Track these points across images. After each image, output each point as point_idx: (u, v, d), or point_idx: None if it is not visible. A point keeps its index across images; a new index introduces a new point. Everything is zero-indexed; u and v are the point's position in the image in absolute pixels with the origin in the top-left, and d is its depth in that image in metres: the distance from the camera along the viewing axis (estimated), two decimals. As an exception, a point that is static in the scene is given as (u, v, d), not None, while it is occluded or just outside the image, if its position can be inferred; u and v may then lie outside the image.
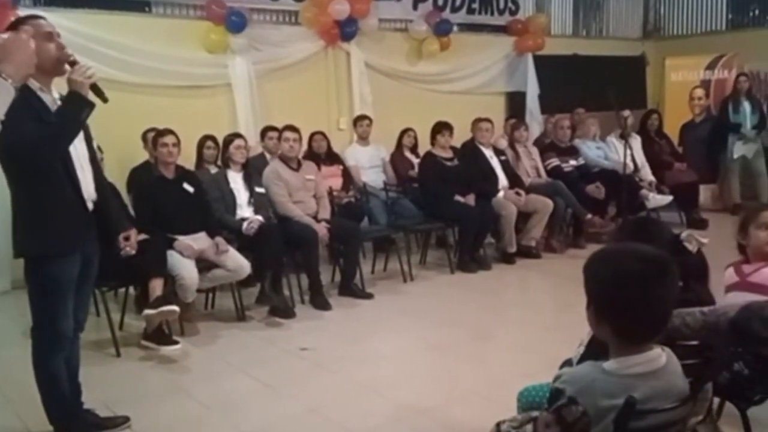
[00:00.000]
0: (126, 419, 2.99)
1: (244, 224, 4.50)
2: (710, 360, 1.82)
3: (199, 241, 4.24)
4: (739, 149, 7.32)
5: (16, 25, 2.52)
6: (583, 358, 1.86)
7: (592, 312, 1.54)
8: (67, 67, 2.52)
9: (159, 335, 3.90)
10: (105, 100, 2.56)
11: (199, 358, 3.84)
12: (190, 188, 4.37)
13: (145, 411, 3.09)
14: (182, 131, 4.47)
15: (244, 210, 4.66)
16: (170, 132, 4.33)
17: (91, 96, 2.52)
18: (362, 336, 4.16)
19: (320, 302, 4.66)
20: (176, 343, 3.88)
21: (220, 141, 5.11)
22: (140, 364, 3.74)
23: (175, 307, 3.85)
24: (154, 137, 4.46)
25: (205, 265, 4.22)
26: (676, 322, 1.68)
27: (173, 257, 4.06)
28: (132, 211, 4.44)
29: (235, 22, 6.02)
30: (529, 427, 1.62)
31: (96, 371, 3.63)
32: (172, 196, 4.29)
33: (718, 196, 7.65)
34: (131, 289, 4.50)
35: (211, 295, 4.69)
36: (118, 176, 4.78)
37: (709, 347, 1.83)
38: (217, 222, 4.46)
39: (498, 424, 1.76)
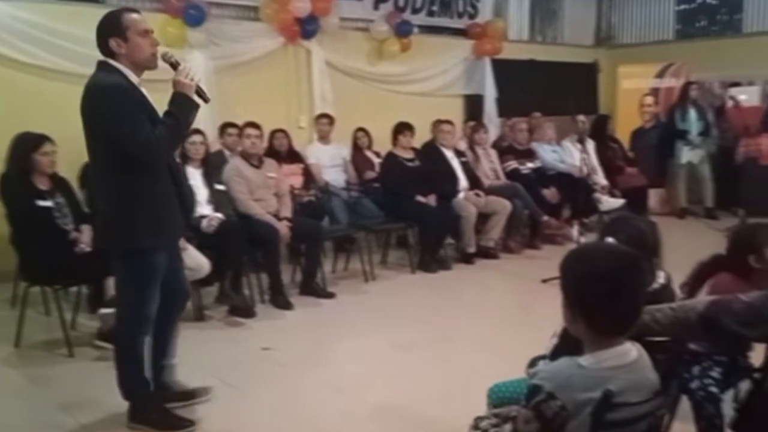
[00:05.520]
0: (208, 389, 3.09)
1: (204, 222, 4.41)
2: (677, 355, 1.89)
3: (156, 238, 4.14)
4: (685, 155, 7.58)
5: (115, 21, 2.58)
6: (556, 349, 1.90)
7: (567, 308, 1.57)
8: (161, 63, 2.62)
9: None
10: (207, 100, 2.65)
11: (158, 358, 3.73)
12: (147, 184, 4.26)
13: (103, 413, 2.99)
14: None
15: (204, 207, 4.56)
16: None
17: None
18: (325, 336, 4.13)
19: (281, 302, 4.61)
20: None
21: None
22: (95, 365, 3.61)
23: (133, 306, 3.75)
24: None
25: (163, 263, 4.12)
26: (646, 319, 1.72)
27: (130, 255, 3.95)
28: (86, 208, 4.30)
29: (193, 16, 5.90)
30: (508, 426, 1.64)
31: (49, 372, 3.53)
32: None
33: (666, 200, 7.92)
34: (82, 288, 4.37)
35: (168, 294, 4.58)
36: (70, 171, 4.62)
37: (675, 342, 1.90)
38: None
39: (476, 421, 1.78)
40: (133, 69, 2.60)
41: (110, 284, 3.81)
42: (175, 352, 3.05)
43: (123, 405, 2.89)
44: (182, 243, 4.12)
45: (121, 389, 2.84)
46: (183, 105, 2.57)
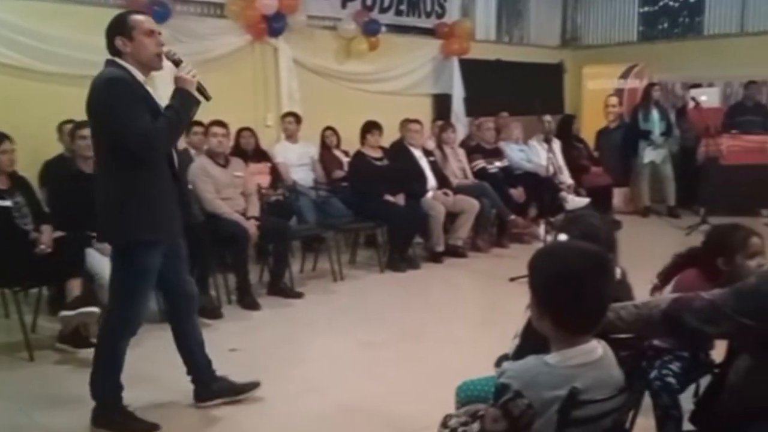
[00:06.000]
0: (257, 383, 3.11)
1: (169, 221, 4.34)
2: (641, 351, 1.92)
3: (120, 238, 4.07)
4: (648, 155, 7.74)
5: (121, 22, 2.65)
6: (519, 349, 1.91)
7: (534, 306, 1.59)
8: (166, 63, 2.69)
9: (76, 337, 3.75)
10: (208, 98, 2.72)
11: (122, 361, 3.66)
12: (111, 183, 4.19)
13: (65, 417, 2.93)
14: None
15: (169, 207, 4.49)
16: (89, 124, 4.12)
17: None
18: (294, 336, 4.11)
19: (249, 302, 4.57)
20: (94, 345, 3.71)
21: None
22: (57, 368, 3.55)
23: (95, 309, 3.68)
24: (72, 130, 4.26)
25: (126, 264, 4.04)
26: (611, 316, 1.74)
27: (92, 256, 3.89)
28: (46, 207, 4.20)
29: (158, 12, 5.79)
30: (476, 425, 1.64)
31: (9, 376, 3.44)
32: (91, 192, 4.05)
33: (630, 199, 8.07)
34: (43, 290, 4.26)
35: (132, 295, 4.50)
36: (30, 169, 4.52)
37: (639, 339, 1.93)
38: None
39: (445, 419, 1.78)
40: (138, 68, 2.66)
41: (71, 286, 3.75)
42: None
43: (85, 409, 2.85)
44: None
45: (92, 388, 2.82)
46: (184, 100, 2.64)
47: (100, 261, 3.88)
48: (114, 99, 2.55)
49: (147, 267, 2.73)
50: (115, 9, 5.74)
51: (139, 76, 2.66)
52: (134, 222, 2.66)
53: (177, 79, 2.65)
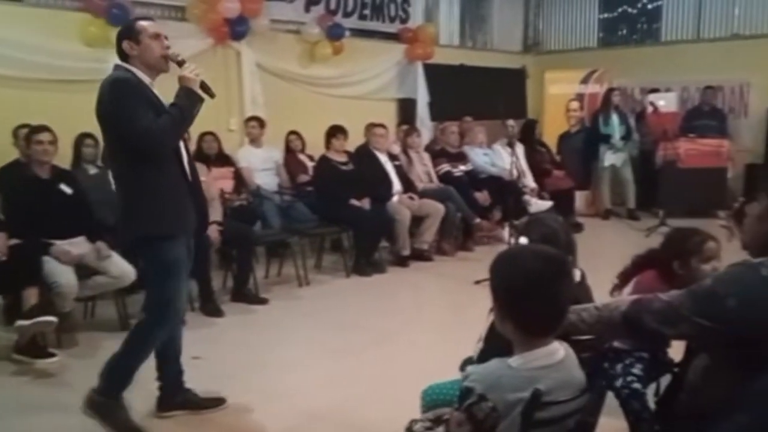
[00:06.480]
0: (223, 400, 3.11)
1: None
2: (602, 353, 1.96)
3: (78, 245, 3.99)
4: (609, 158, 7.88)
5: (129, 27, 2.77)
6: (482, 353, 1.93)
7: (496, 309, 1.60)
8: (171, 64, 2.76)
9: (33, 348, 3.67)
10: (212, 95, 2.80)
11: (81, 371, 3.53)
12: (67, 189, 4.12)
13: (25, 427, 2.88)
14: (57, 128, 4.17)
15: (129, 213, 4.40)
16: (46, 129, 4.05)
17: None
18: (259, 342, 4.06)
19: (211, 309, 4.51)
20: (53, 355, 3.67)
21: (100, 139, 4.80)
22: (14, 380, 3.45)
23: (52, 318, 3.62)
24: (28, 134, 4.15)
25: (85, 271, 3.96)
26: (572, 318, 1.76)
27: (49, 263, 3.81)
28: (0, 214, 4.07)
29: (117, 15, 5.68)
30: (440, 429, 1.65)
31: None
32: (47, 198, 4.01)
33: (591, 202, 8.21)
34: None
35: (90, 303, 4.40)
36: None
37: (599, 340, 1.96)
38: (98, 225, 4.19)
39: (411, 423, 1.78)
40: (145, 70, 2.74)
41: (28, 295, 3.66)
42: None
43: (44, 419, 2.77)
44: (106, 250, 4.00)
45: (105, 368, 2.80)
46: (187, 98, 2.70)
47: (57, 269, 3.80)
48: (118, 98, 2.61)
49: (168, 261, 2.75)
50: (71, 12, 5.68)
51: (146, 78, 2.73)
52: (142, 219, 2.72)
53: (181, 79, 2.72)
